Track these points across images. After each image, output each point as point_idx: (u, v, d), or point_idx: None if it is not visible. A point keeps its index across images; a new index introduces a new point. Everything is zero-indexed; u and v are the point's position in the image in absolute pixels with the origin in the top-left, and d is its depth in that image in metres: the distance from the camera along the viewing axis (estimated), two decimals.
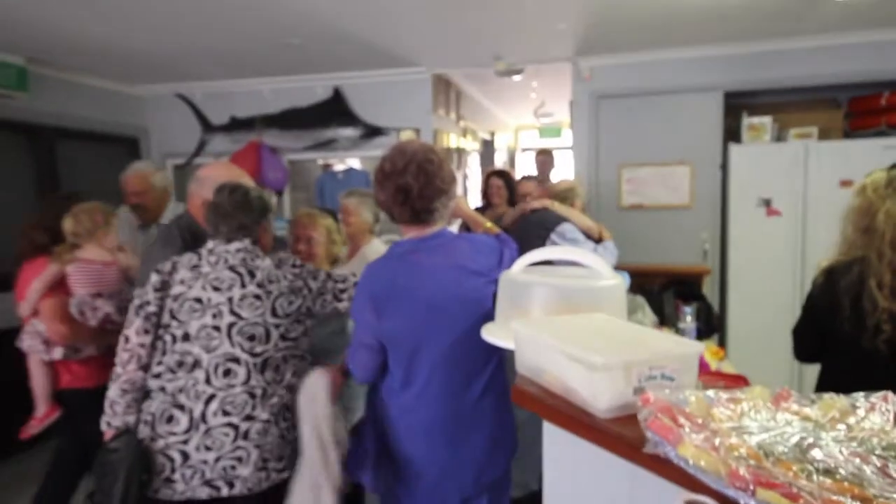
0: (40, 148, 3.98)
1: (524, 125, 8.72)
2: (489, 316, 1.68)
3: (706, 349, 2.33)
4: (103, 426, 1.68)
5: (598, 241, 2.92)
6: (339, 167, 4.85)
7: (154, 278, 1.70)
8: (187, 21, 3.11)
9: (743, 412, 0.84)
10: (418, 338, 1.63)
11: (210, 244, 1.76)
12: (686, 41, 3.82)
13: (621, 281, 1.45)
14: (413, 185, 1.60)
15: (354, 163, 5.02)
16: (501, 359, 1.76)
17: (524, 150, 9.12)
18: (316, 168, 5.00)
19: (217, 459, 1.62)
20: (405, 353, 1.64)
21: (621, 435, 0.91)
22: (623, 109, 4.22)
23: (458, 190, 4.48)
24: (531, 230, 2.76)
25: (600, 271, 1.46)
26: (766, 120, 3.96)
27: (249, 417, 1.67)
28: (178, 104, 4.68)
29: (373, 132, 4.44)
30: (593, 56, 4.14)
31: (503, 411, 1.77)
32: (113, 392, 1.66)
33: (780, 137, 4.00)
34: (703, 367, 1.82)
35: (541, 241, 2.70)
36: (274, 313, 1.73)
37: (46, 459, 2.56)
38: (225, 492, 1.62)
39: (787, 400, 0.89)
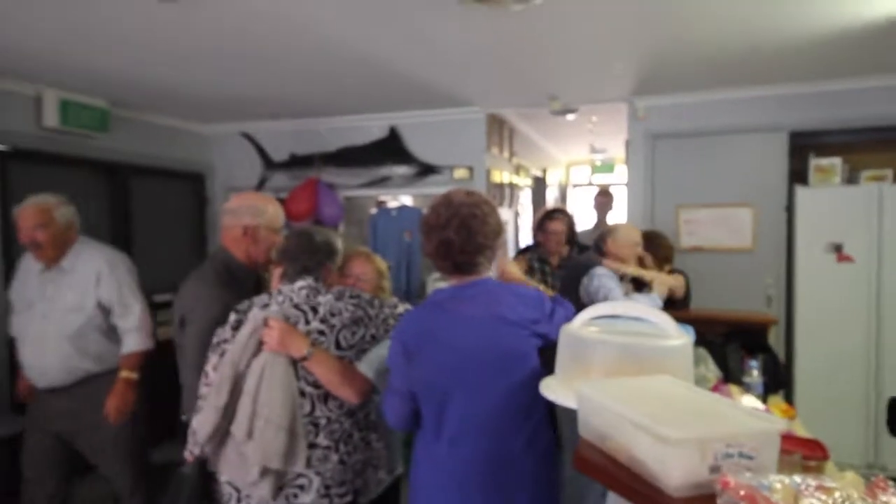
0: (116, 183, 4.23)
1: (576, 161, 8.67)
2: (529, 369, 1.63)
3: (773, 406, 2.20)
4: (186, 455, 1.78)
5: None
6: (392, 204, 4.93)
7: (232, 318, 1.79)
8: (251, 66, 3.27)
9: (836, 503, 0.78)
10: (449, 386, 1.59)
11: (278, 285, 1.85)
12: (747, 80, 3.73)
13: (688, 340, 1.39)
14: (455, 240, 1.60)
15: (407, 200, 5.10)
16: (547, 415, 1.68)
17: (576, 186, 9.05)
18: (370, 204, 5.10)
19: (280, 489, 1.67)
20: (435, 402, 1.60)
21: None
22: (680, 149, 4.13)
23: (508, 233, 4.42)
24: (571, 272, 2.87)
25: (666, 328, 1.41)
26: (835, 161, 3.79)
27: (312, 445, 1.71)
28: (241, 142, 4.89)
29: (427, 170, 4.50)
30: (649, 95, 4.09)
31: (547, 470, 1.68)
32: (196, 423, 1.75)
33: (850, 179, 3.82)
34: None
35: (576, 284, 2.77)
36: (338, 346, 1.76)
37: None
38: None
39: (884, 491, 0.82)
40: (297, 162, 4.74)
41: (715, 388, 2.05)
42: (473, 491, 1.58)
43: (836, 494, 0.80)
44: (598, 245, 2.92)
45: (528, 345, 1.63)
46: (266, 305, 1.79)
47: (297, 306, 1.77)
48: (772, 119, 3.88)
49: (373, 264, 2.26)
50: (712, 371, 2.29)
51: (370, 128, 4.62)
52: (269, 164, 4.85)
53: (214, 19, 2.55)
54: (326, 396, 1.73)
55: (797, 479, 0.84)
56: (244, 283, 2.09)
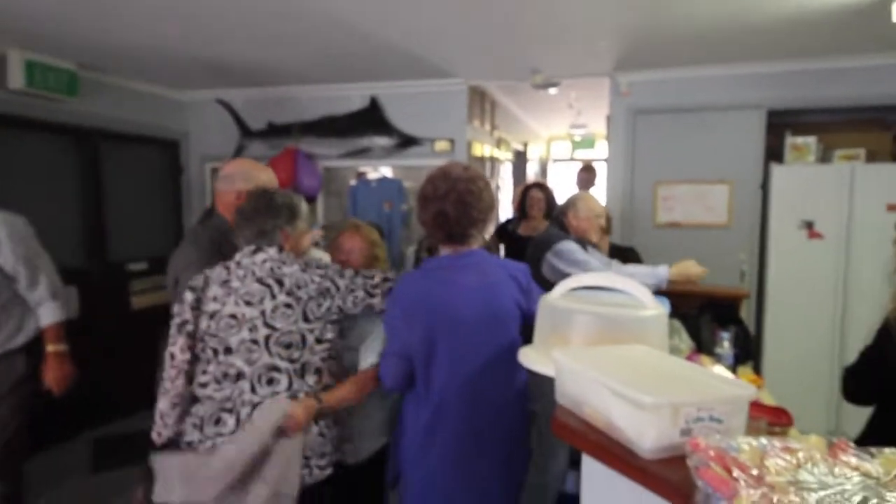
0: (85, 149, 4.11)
1: (557, 136, 8.67)
2: (511, 338, 1.74)
3: (742, 376, 2.28)
4: (154, 437, 1.74)
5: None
6: (372, 175, 4.90)
7: (189, 297, 1.71)
8: (230, 30, 3.18)
9: (799, 464, 0.82)
10: (443, 351, 1.67)
11: (237, 256, 1.75)
12: (729, 58, 3.76)
13: (664, 311, 1.43)
14: (451, 212, 1.68)
15: (387, 171, 5.06)
16: (524, 384, 1.79)
17: (556, 161, 9.07)
18: (350, 175, 5.05)
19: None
20: (430, 365, 1.68)
21: (668, 479, 0.89)
22: (661, 125, 4.16)
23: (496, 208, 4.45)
24: (533, 250, 2.73)
25: (642, 299, 1.44)
26: (810, 140, 3.86)
27: None
28: (217, 109, 4.78)
29: (407, 142, 4.46)
30: (632, 71, 4.10)
31: (521, 436, 1.82)
32: (164, 405, 1.71)
33: (824, 158, 3.90)
34: None
35: (537, 262, 2.64)
36: (306, 318, 1.72)
37: None
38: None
39: (845, 452, 0.86)
40: (276, 131, 4.66)
41: (688, 359, 2.11)
42: (458, 446, 1.69)
43: (800, 454, 0.83)
44: (559, 219, 2.82)
45: (514, 314, 1.75)
46: (226, 282, 1.70)
47: (260, 280, 1.70)
48: (750, 97, 3.92)
49: (361, 235, 2.17)
50: (685, 342, 2.36)
51: (351, 97, 4.55)
52: (247, 132, 4.76)
53: None
54: (303, 371, 1.70)
55: (763, 440, 0.87)
56: (237, 247, 2.06)
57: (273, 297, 1.69)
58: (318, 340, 1.75)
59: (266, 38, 3.33)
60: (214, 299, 1.69)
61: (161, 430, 1.72)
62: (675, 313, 2.54)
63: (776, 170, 3.84)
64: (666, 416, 0.94)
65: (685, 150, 4.10)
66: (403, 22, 3.04)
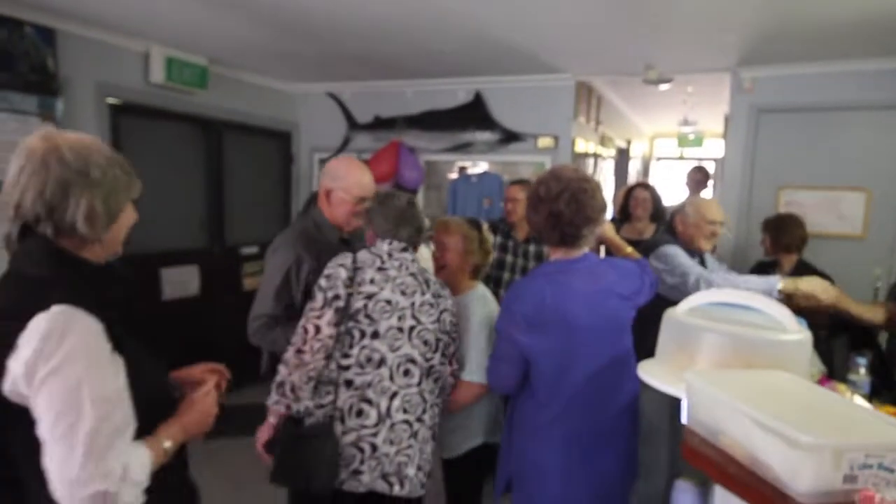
0: (210, 139, 4.41)
1: (662, 133, 8.26)
2: (628, 343, 1.77)
3: (882, 409, 2.05)
4: (280, 408, 1.74)
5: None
6: (473, 170, 4.90)
7: (343, 273, 1.73)
8: (340, 27, 3.26)
9: None
10: (565, 357, 1.68)
11: (385, 248, 1.81)
12: (865, 53, 3.39)
13: (808, 335, 1.30)
14: (565, 212, 1.68)
15: (486, 166, 5.04)
16: (636, 393, 1.78)
17: (660, 159, 8.65)
18: (450, 169, 5.09)
19: (396, 453, 1.71)
20: (551, 371, 1.69)
21: None
22: (787, 125, 3.83)
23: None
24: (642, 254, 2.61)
25: (781, 320, 1.32)
26: None
27: (420, 420, 1.77)
28: (327, 102, 4.97)
29: (510, 137, 4.42)
30: (756, 66, 3.80)
31: (633, 438, 1.81)
32: (297, 379, 1.71)
33: None
34: None
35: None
36: (440, 324, 1.83)
37: None
38: (396, 489, 1.71)
39: None
40: (381, 124, 4.78)
41: (819, 384, 1.93)
42: (574, 452, 1.70)
43: None
44: (669, 225, 2.67)
45: (629, 317, 1.78)
46: (382, 269, 1.76)
47: (413, 275, 1.80)
48: (890, 95, 3.51)
49: (454, 229, 2.12)
50: (816, 366, 2.16)
51: (455, 92, 4.56)
52: (354, 124, 4.91)
53: None
54: (429, 371, 1.81)
55: None
56: (329, 240, 2.11)
57: (422, 293, 1.79)
58: (443, 353, 1.85)
59: (375, 33, 3.39)
60: (372, 282, 1.74)
61: (292, 404, 1.71)
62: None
63: None
64: (827, 459, 0.85)
65: (814, 152, 3.76)
66: (511, 15, 2.98)
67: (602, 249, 3.71)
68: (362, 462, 1.68)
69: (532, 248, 2.99)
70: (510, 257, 2.98)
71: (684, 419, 1.15)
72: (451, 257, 2.08)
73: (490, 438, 2.06)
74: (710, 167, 5.59)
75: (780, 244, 3.14)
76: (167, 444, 1.10)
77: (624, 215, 3.82)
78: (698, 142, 7.48)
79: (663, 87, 4.54)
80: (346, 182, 2.10)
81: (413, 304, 1.76)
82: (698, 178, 4.48)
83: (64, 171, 1.03)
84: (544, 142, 4.33)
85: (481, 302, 2.03)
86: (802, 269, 3.23)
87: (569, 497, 1.71)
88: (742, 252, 3.92)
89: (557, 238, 1.73)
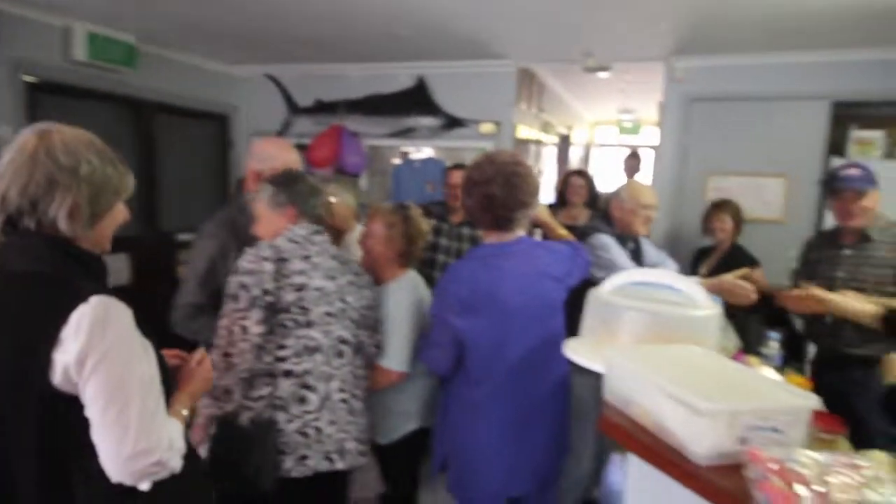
0: (142, 121, 4.23)
1: (602, 120, 8.48)
2: (560, 322, 1.82)
3: (790, 379, 2.21)
4: (211, 410, 1.66)
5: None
6: (416, 156, 4.90)
7: (268, 267, 1.66)
8: (279, 6, 3.18)
9: (865, 482, 0.79)
10: (498, 339, 1.72)
11: (301, 231, 1.76)
12: (792, 45, 3.57)
13: (718, 311, 1.39)
14: (498, 195, 1.70)
15: (430, 152, 5.05)
16: (567, 369, 1.82)
17: (600, 146, 8.88)
18: (394, 154, 5.07)
19: (337, 431, 1.75)
20: (485, 352, 1.73)
21: (722, 487, 0.88)
22: (716, 114, 4.01)
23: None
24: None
25: (695, 298, 1.41)
26: (876, 134, 3.66)
27: (354, 395, 1.82)
28: (267, 85, 4.84)
29: (453, 123, 4.43)
30: (689, 56, 3.94)
31: (564, 415, 1.88)
32: (228, 381, 1.64)
33: (891, 154, 3.70)
34: None
35: None
36: (363, 300, 1.87)
37: None
38: (339, 465, 1.74)
39: None
40: (323, 108, 4.70)
41: (734, 359, 2.06)
42: (507, 431, 1.76)
43: (866, 472, 0.81)
44: (605, 211, 2.68)
45: (561, 298, 1.82)
46: (307, 257, 1.74)
47: (335, 257, 1.82)
48: (814, 87, 3.73)
49: (380, 216, 2.10)
50: (732, 341, 2.30)
51: (398, 76, 4.54)
52: (294, 108, 4.81)
53: None
54: (358, 348, 1.87)
55: (826, 455, 0.85)
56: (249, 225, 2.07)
57: (345, 273, 1.82)
58: (366, 326, 1.89)
59: (316, 14, 3.33)
60: (301, 272, 1.72)
61: (225, 405, 1.65)
62: (722, 311, 2.48)
63: (837, 164, 3.66)
64: (722, 424, 0.92)
65: (741, 140, 3.95)
66: (455, 0, 2.99)
67: (537, 232, 3.79)
68: (308, 447, 1.70)
69: (466, 230, 3.02)
70: (445, 240, 3.01)
71: (604, 392, 1.22)
72: (374, 244, 2.06)
73: (426, 423, 2.09)
74: (649, 154, 5.78)
75: (739, 228, 3.34)
76: (184, 412, 1.22)
77: (561, 201, 3.92)
78: (636, 129, 7.72)
79: (602, 75, 4.66)
80: (276, 162, 2.05)
81: (340, 286, 1.79)
82: (633, 163, 4.64)
83: (51, 167, 1.05)
84: (486, 127, 4.37)
85: (407, 289, 2.03)
86: (736, 252, 3.41)
87: (501, 474, 1.77)
88: (675, 235, 4.10)
89: (491, 221, 1.76)
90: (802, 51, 3.67)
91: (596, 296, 1.45)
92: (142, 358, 1.07)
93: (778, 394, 1.00)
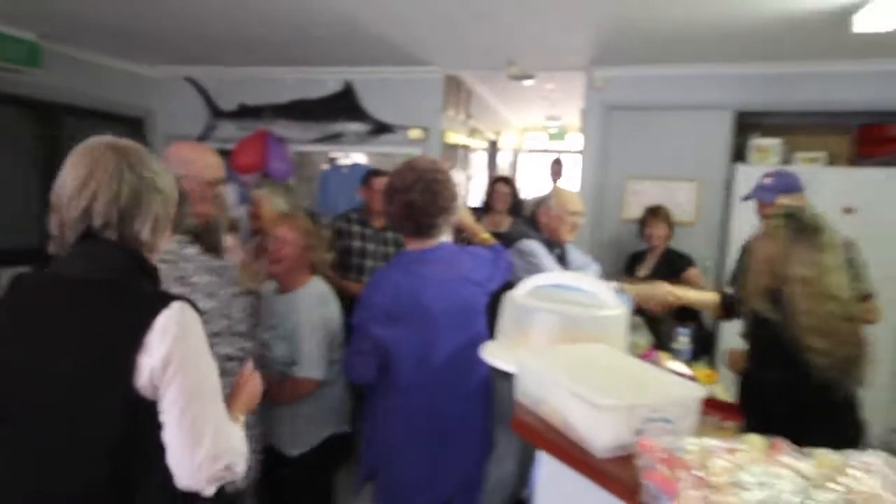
0: (47, 124, 3.98)
1: (530, 127, 8.71)
2: (481, 326, 1.83)
3: (698, 371, 2.36)
4: None
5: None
6: (344, 161, 4.86)
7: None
8: (198, 5, 3.09)
9: (740, 465, 0.87)
10: (423, 344, 1.73)
11: (171, 246, 1.55)
12: (701, 58, 3.82)
13: (624, 311, 1.47)
14: (419, 201, 1.72)
15: (360, 158, 5.03)
16: (489, 372, 1.83)
17: (530, 151, 9.12)
18: (321, 160, 5.01)
19: None
20: (410, 359, 1.73)
21: (619, 477, 0.93)
22: (633, 122, 4.22)
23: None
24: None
25: (604, 298, 1.48)
26: (774, 142, 3.97)
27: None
28: (186, 88, 4.67)
29: (381, 129, 4.44)
30: (608, 66, 4.13)
31: (487, 418, 1.91)
32: None
33: (787, 160, 4.01)
34: None
35: None
36: (246, 310, 1.80)
37: None
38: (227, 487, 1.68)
39: (781, 452, 0.91)
40: (247, 112, 4.59)
41: (646, 355, 2.18)
42: (430, 434, 1.77)
43: (741, 455, 0.88)
44: (532, 216, 2.74)
45: (483, 302, 1.84)
46: (182, 278, 1.57)
47: (210, 270, 1.66)
48: (719, 98, 4.00)
49: (295, 222, 2.08)
50: (645, 338, 2.43)
51: (325, 81, 4.49)
52: (216, 112, 4.67)
53: None
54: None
55: (709, 441, 0.92)
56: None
57: (223, 286, 1.69)
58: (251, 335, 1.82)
59: (237, 15, 3.25)
60: None
61: None
62: (635, 310, 2.60)
63: (741, 169, 3.95)
64: (621, 418, 0.98)
65: (656, 147, 4.17)
66: (381, 6, 3.00)
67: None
68: None
69: (391, 234, 3.04)
70: (372, 245, 3.02)
71: (516, 393, 1.26)
72: (290, 252, 2.02)
73: (339, 429, 2.08)
74: (576, 160, 6.01)
75: (672, 232, 3.53)
76: (242, 418, 1.25)
77: (486, 207, 4.00)
78: (561, 135, 7.99)
79: (527, 82, 4.80)
80: (197, 166, 1.98)
81: (222, 302, 1.66)
82: (557, 169, 4.80)
83: (136, 181, 1.10)
84: (415, 133, 4.41)
85: (318, 300, 2.02)
86: (671, 254, 3.56)
87: (430, 479, 1.78)
88: (597, 238, 4.27)
89: (413, 228, 1.77)
90: (709, 63, 3.93)
91: (510, 298, 1.50)
92: (213, 363, 1.11)
93: (670, 387, 1.07)
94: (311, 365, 1.93)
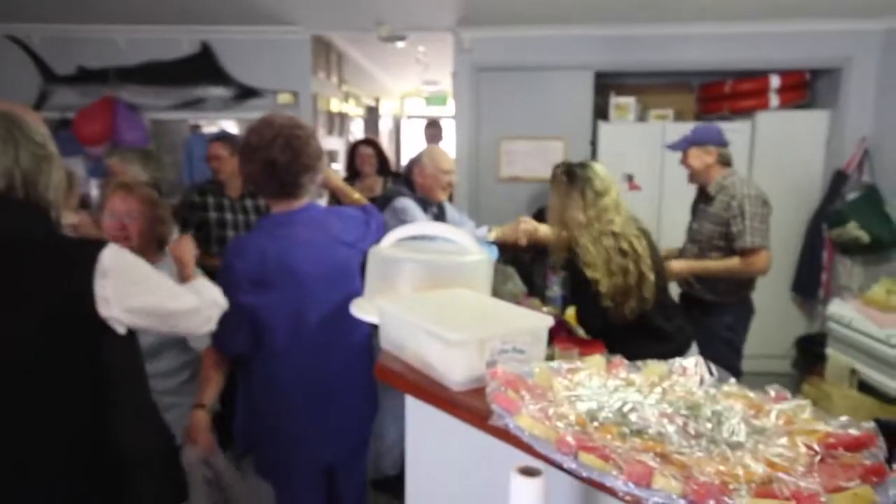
0: None
1: (410, 92, 8.66)
2: (356, 286, 1.76)
3: (570, 316, 2.52)
4: None
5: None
6: (209, 129, 4.55)
7: None
8: None
9: (579, 381, 0.93)
10: (297, 309, 1.67)
11: None
12: (563, 19, 3.96)
13: (486, 256, 1.51)
14: (280, 159, 1.63)
15: (228, 125, 4.72)
16: (367, 332, 1.82)
17: (410, 117, 9.08)
18: (184, 129, 4.65)
19: None
20: (283, 326, 1.66)
21: (471, 406, 0.96)
22: (503, 83, 4.31)
23: (328, 162, 4.15)
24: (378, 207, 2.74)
25: (466, 246, 1.51)
26: (630, 100, 4.26)
27: None
28: (11, 48, 4.09)
29: (247, 93, 4.18)
30: (475, 28, 4.17)
31: (368, 380, 1.86)
32: None
33: (642, 117, 4.32)
34: (561, 333, 1.95)
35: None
36: None
37: None
38: None
39: (617, 368, 0.99)
40: (88, 76, 4.11)
41: (519, 303, 2.28)
42: (311, 399, 1.72)
43: (581, 374, 0.95)
44: (406, 176, 2.76)
45: (357, 263, 1.77)
46: None
47: None
48: (581, 58, 4.19)
49: (136, 196, 1.85)
50: (519, 286, 2.54)
51: (178, 41, 4.13)
52: (51, 77, 4.14)
53: None
54: None
55: (554, 364, 0.97)
56: None
57: None
58: None
59: None
60: None
61: None
62: (510, 260, 2.71)
63: (603, 127, 4.20)
64: (473, 351, 1.01)
65: (525, 107, 4.31)
66: None
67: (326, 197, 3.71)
68: None
69: (249, 202, 2.91)
70: (230, 215, 2.86)
71: (381, 341, 1.26)
72: (137, 227, 1.81)
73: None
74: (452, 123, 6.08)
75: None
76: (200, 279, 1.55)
77: (353, 173, 3.90)
78: (442, 100, 8.03)
79: (399, 44, 4.72)
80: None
81: None
82: (432, 132, 4.82)
83: (32, 147, 1.13)
84: (284, 97, 4.20)
85: (173, 275, 1.89)
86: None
87: (315, 443, 1.75)
88: (474, 200, 4.36)
89: (276, 188, 1.68)
90: (571, 24, 4.08)
91: (375, 252, 1.49)
92: (158, 275, 1.26)
93: (519, 319, 1.12)
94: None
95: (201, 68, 4.14)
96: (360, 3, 3.62)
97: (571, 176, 2.01)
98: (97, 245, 1.13)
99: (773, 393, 0.85)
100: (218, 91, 4.17)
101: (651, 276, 1.94)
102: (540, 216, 3.73)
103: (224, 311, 1.41)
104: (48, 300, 1.09)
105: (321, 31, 4.30)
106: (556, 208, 2.04)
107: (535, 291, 2.66)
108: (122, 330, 1.16)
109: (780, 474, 0.63)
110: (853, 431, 0.74)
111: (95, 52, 4.12)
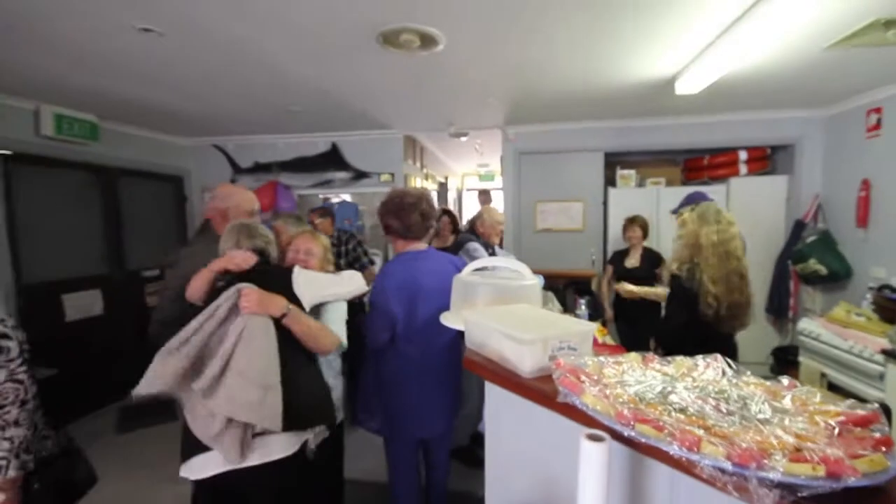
0: (106, 183, 3.74)
1: (468, 172, 8.80)
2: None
3: (595, 328, 2.40)
4: (21, 473, 1.30)
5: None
6: (334, 200, 4.78)
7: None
8: (217, 90, 2.99)
9: (624, 371, 0.87)
10: (415, 313, 1.70)
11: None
12: (581, 116, 3.95)
13: (538, 281, 1.48)
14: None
15: (346, 197, 4.94)
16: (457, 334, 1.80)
17: (468, 189, 9.20)
18: (317, 200, 4.90)
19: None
20: (408, 326, 1.70)
21: (541, 389, 0.92)
22: (537, 162, 4.31)
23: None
24: (455, 249, 2.82)
25: (524, 274, 1.48)
26: (631, 172, 4.14)
27: None
28: (213, 152, 4.50)
29: (360, 175, 4.39)
30: (517, 125, 4.23)
31: (459, 374, 1.86)
32: (27, 430, 1.33)
33: (641, 184, 4.18)
34: (594, 342, 1.85)
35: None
36: None
37: None
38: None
39: (652, 362, 0.92)
40: (260, 168, 4.45)
41: None
42: (424, 383, 1.74)
43: (624, 365, 0.89)
44: (471, 227, 2.92)
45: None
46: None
47: None
48: (595, 143, 4.14)
49: (317, 242, 1.94)
50: (556, 307, 2.45)
51: (317, 143, 4.42)
52: (237, 169, 4.50)
53: (190, 48, 2.30)
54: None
55: (601, 358, 0.92)
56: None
57: None
58: None
59: (247, 93, 3.16)
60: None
61: (28, 462, 1.32)
62: (549, 287, 2.64)
63: (612, 192, 4.09)
64: (538, 348, 0.97)
65: (553, 179, 4.27)
66: (353, 85, 2.98)
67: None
68: None
69: (360, 248, 3.11)
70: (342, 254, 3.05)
71: (466, 342, 1.24)
72: (315, 263, 1.88)
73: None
74: (500, 192, 6.13)
75: (647, 234, 3.40)
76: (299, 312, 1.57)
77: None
78: (491, 177, 8.09)
79: (463, 139, 4.85)
80: (238, 198, 1.90)
81: None
82: (484, 198, 4.85)
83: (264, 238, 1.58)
84: (385, 177, 4.37)
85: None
86: (649, 252, 3.39)
87: (422, 406, 1.75)
88: (517, 242, 4.31)
89: (422, 232, 1.75)
90: (585, 120, 4.06)
91: (458, 279, 1.48)
92: None
93: (572, 325, 1.07)
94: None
95: (331, 160, 4.39)
96: (436, 111, 3.76)
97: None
98: (290, 269, 1.44)
99: (785, 381, 0.76)
100: (341, 174, 4.39)
101: (753, 302, 1.76)
102: (622, 255, 3.44)
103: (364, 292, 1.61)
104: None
105: (409, 131, 4.48)
106: (688, 235, 1.82)
107: (567, 311, 2.56)
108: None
109: (808, 444, 0.56)
110: (860, 411, 0.65)
111: (265, 152, 4.46)
